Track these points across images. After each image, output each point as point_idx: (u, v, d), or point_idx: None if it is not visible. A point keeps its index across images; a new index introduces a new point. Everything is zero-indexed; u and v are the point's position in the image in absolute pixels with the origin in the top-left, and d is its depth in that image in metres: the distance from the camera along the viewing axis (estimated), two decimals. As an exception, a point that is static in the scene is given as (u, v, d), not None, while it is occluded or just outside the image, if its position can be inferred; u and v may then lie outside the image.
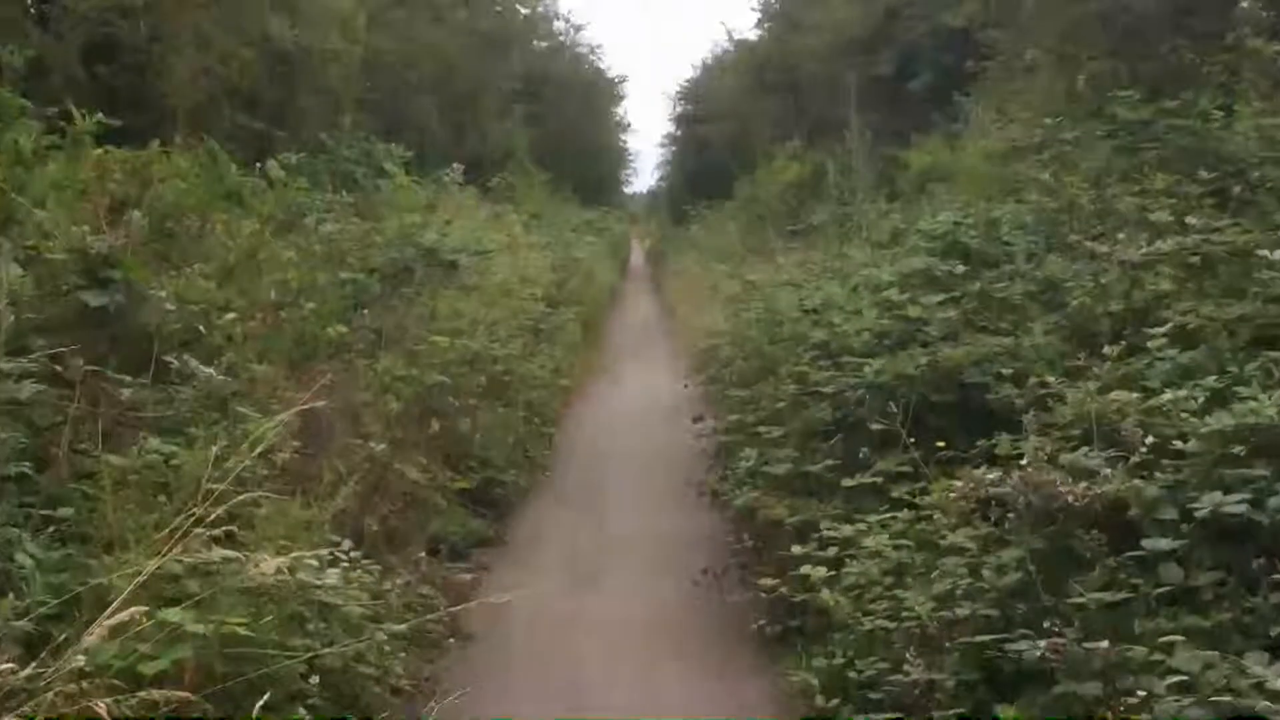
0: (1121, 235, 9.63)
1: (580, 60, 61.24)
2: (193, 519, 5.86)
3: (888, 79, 32.80)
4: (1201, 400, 6.47)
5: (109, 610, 4.96)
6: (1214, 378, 6.79)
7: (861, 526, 7.48)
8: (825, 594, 6.98)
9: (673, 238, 51.13)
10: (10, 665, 4.62)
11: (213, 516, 5.85)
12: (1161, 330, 7.58)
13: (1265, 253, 7.93)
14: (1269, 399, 6.05)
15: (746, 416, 11.75)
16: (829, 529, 7.73)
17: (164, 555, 5.65)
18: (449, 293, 14.93)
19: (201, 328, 8.99)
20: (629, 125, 76.58)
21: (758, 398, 11.93)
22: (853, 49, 34.43)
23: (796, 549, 7.77)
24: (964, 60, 25.66)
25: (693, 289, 28.90)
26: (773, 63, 43.64)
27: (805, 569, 7.31)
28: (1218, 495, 5.58)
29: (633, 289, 45.17)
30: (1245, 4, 17.26)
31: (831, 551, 7.45)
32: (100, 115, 11.69)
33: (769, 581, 8.13)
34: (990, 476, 6.37)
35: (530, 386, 15.46)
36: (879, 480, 8.17)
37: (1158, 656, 4.93)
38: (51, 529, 6.36)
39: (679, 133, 70.67)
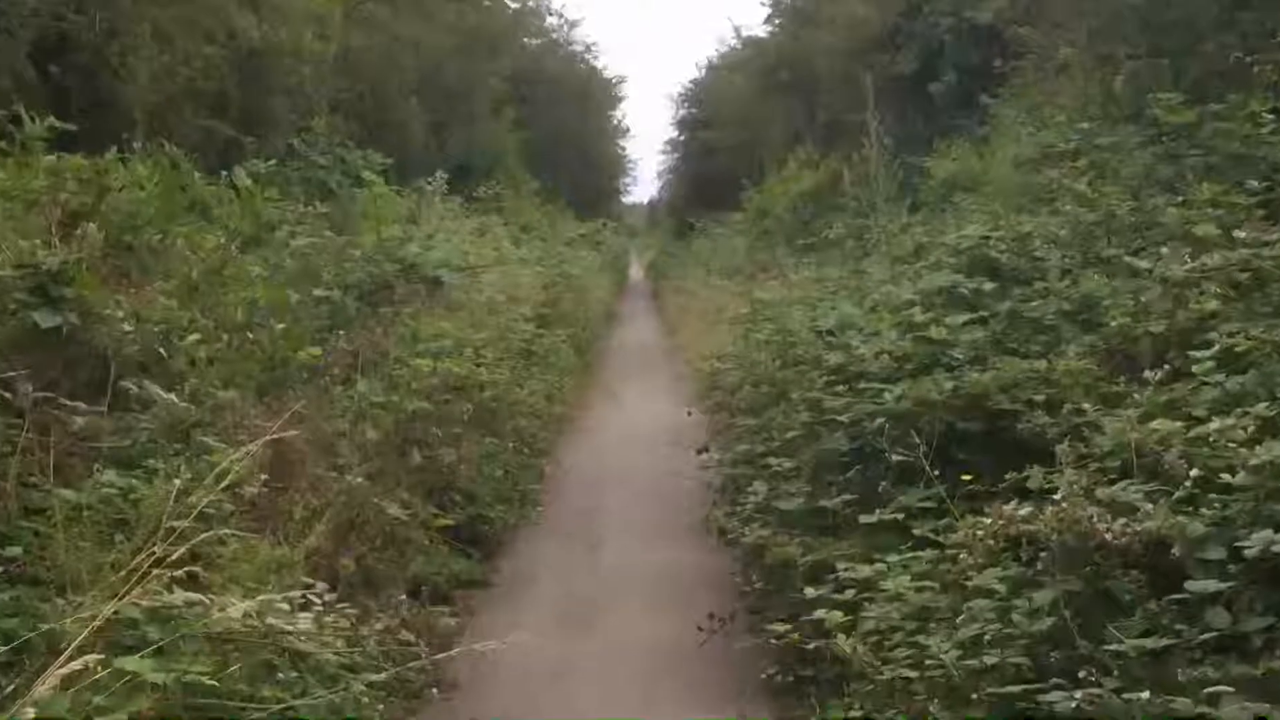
0: (1164, 250, 9.65)
1: (574, 59, 61.50)
2: (152, 559, 5.86)
3: (909, 79, 32.84)
4: (1251, 429, 6.46)
5: (62, 658, 4.96)
6: (1265, 405, 6.77)
7: (881, 567, 7.46)
8: (841, 640, 6.97)
9: (675, 252, 51.28)
10: (-46, 718, 4.63)
11: (174, 556, 5.86)
12: (1208, 353, 7.57)
13: (1320, 269, 7.95)
14: (1324, 428, 6.05)
15: (755, 447, 11.75)
16: (845, 570, 7.71)
17: (121, 598, 5.65)
18: (432, 312, 14.96)
19: (162, 350, 9.00)
20: (627, 130, 76.88)
21: (767, 426, 11.93)
22: (871, 47, 34.48)
23: (810, 591, 7.76)
24: (991, 59, 25.76)
25: (696, 308, 28.96)
26: (784, 62, 43.71)
27: (819, 613, 7.30)
28: (1269, 533, 5.56)
29: (631, 308, 45.20)
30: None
31: (848, 594, 7.43)
32: (52, 119, 11.73)
33: (780, 627, 8.11)
34: (1021, 512, 6.37)
35: (520, 414, 15.46)
36: (900, 517, 8.15)
37: (1203, 709, 4.91)
38: (-1, 569, 6.37)
39: (682, 138, 70.88)
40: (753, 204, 38.43)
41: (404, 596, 9.67)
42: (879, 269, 16.10)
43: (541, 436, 16.56)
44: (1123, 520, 5.95)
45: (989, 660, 6.03)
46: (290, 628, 6.52)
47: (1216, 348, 7.66)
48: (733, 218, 40.24)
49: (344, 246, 14.71)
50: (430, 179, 23.14)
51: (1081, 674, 5.45)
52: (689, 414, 16.92)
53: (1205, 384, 7.36)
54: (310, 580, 7.51)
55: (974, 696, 6.04)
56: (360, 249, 14.79)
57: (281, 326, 10.99)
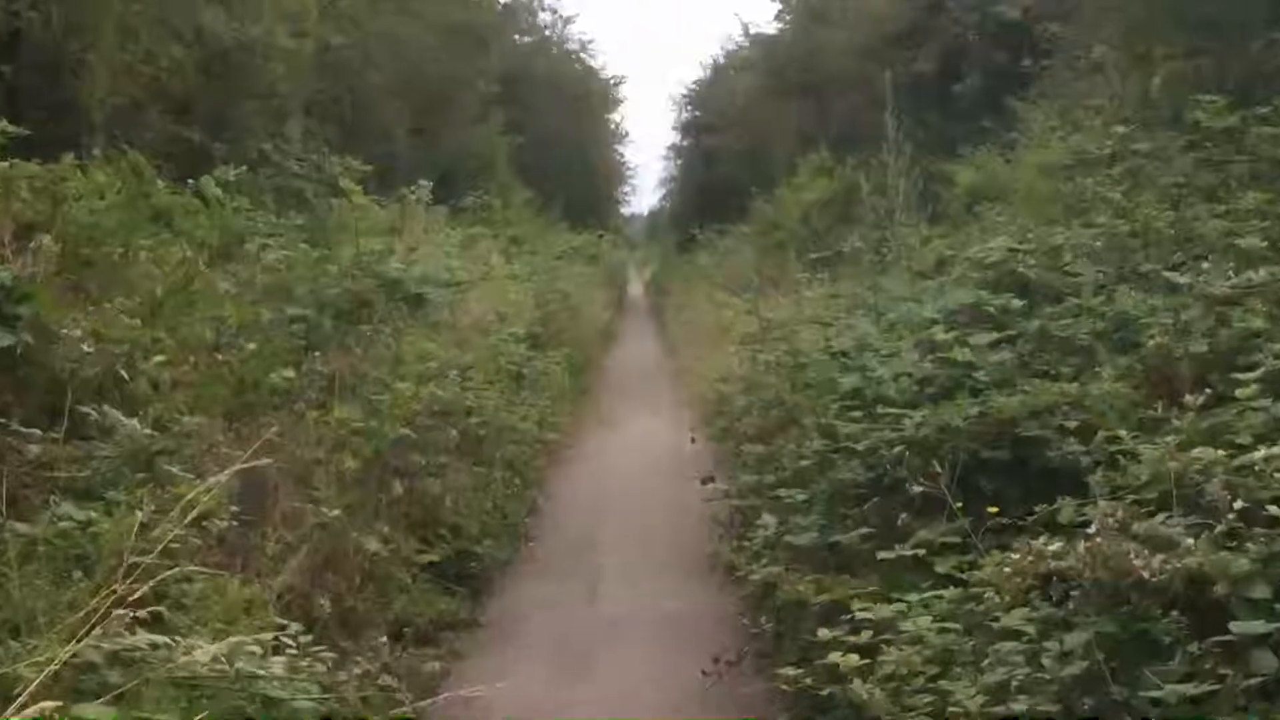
0: (1205, 264, 9.67)
1: (569, 58, 61.60)
2: (113, 598, 5.85)
3: (930, 80, 32.95)
4: (1300, 458, 6.48)
5: (15, 705, 4.96)
6: (1314, 431, 6.80)
7: (900, 607, 7.46)
8: (857, 686, 6.97)
9: (677, 266, 51.26)
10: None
11: (137, 595, 5.85)
12: (1253, 375, 7.59)
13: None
14: (1379, 457, 6.06)
15: (764, 477, 11.76)
16: (862, 610, 7.71)
17: (80, 640, 5.65)
18: (415, 332, 14.97)
19: (124, 373, 9.02)
20: (626, 134, 76.72)
21: (777, 455, 11.94)
22: (888, 45, 34.59)
23: (823, 633, 7.75)
24: (1019, 58, 25.85)
25: (700, 327, 28.96)
26: (795, 61, 43.80)
27: (834, 656, 7.30)
28: (1319, 570, 5.59)
29: (631, 327, 45.24)
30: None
31: (865, 636, 7.43)
32: (3, 122, 11.75)
33: (791, 671, 8.11)
34: (1051, 548, 6.37)
35: (510, 441, 15.48)
36: (921, 552, 8.14)
37: (1249, 759, 4.93)
38: (-54, 609, 6.37)
39: (685, 143, 70.99)
40: (761, 214, 38.51)
41: (385, 639, 9.66)
42: (898, 285, 16.11)
43: (534, 466, 16.57)
44: (1161, 556, 5.94)
45: (1017, 708, 6.04)
46: (262, 672, 6.51)
47: (1262, 370, 7.67)
48: (740, 229, 40.30)
49: (320, 261, 14.73)
50: (413, 188, 23.17)
51: (1117, 722, 5.46)
52: (692, 441, 16.94)
53: (1250, 409, 7.37)
54: (283, 621, 7.51)
55: (1001, 746, 6.05)
56: (337, 263, 14.79)
57: (252, 347, 11.01)
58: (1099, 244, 12.59)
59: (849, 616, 7.78)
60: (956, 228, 21.04)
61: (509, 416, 15.85)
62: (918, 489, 8.38)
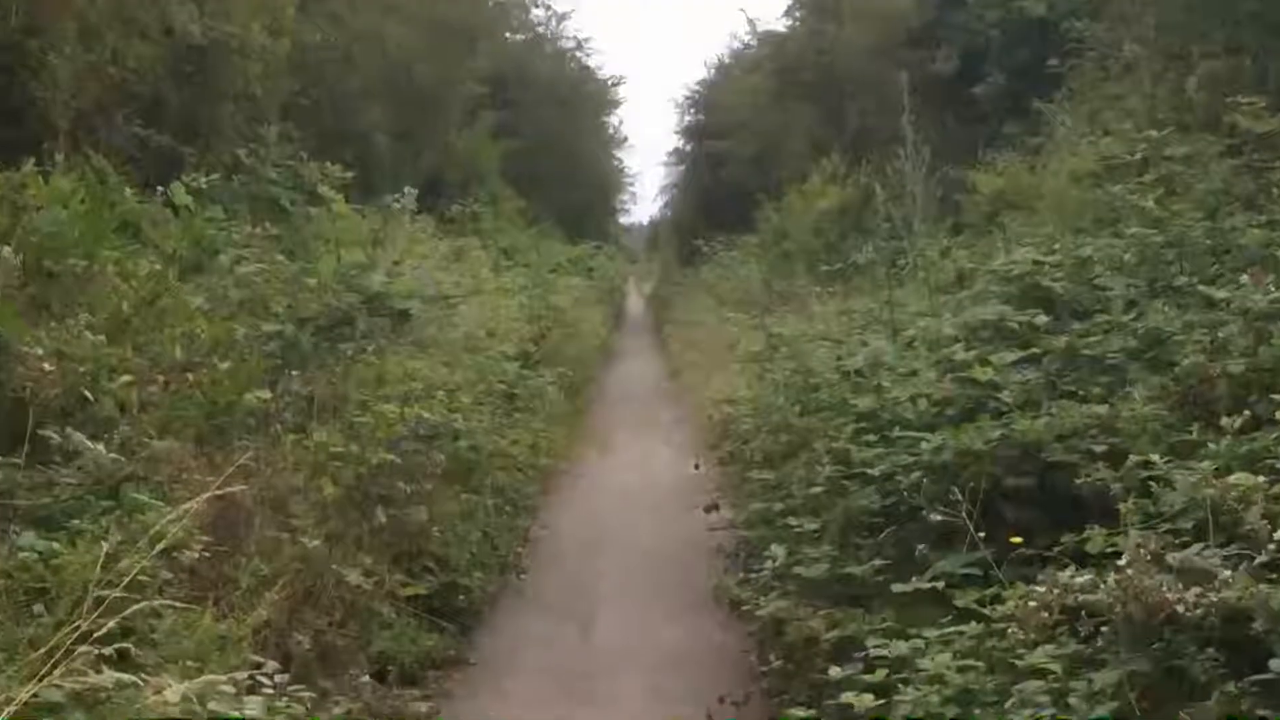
0: (1244, 277, 9.67)
1: (564, 57, 61.60)
2: (77, 634, 5.87)
3: (950, 81, 33.00)
4: (1345, 484, 6.49)
5: (-27, 748, 4.97)
6: (1361, 456, 6.80)
7: (918, 643, 7.47)
8: (872, 728, 6.98)
9: (679, 280, 51.33)
10: None
11: (103, 630, 5.87)
12: (1294, 397, 7.60)
13: None
14: None
15: (772, 505, 11.77)
16: (877, 646, 7.72)
17: (41, 679, 5.66)
18: (399, 350, 14.99)
19: (88, 394, 9.02)
20: (625, 139, 76.62)
21: (786, 481, 11.96)
22: (906, 43, 34.65)
23: (835, 671, 7.76)
24: (1045, 58, 25.83)
25: (704, 344, 28.98)
26: (806, 61, 43.78)
27: (847, 696, 7.30)
28: (1365, 605, 5.59)
29: (630, 344, 45.28)
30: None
31: (880, 675, 7.44)
32: (-40, 128, 11.78)
33: (801, 712, 8.12)
34: (1079, 580, 6.38)
35: (501, 467, 15.50)
36: (939, 585, 8.15)
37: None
38: (-101, 646, 6.38)
39: (688, 148, 70.94)
40: (770, 224, 38.54)
41: (367, 677, 9.68)
42: (916, 299, 16.13)
43: (526, 493, 16.58)
44: (1197, 589, 5.95)
45: (1042, 751, 6.05)
46: (236, 713, 6.52)
47: (1305, 390, 7.68)
48: (746, 240, 40.31)
49: (298, 274, 14.74)
50: (397, 196, 23.16)
51: (1150, 766, 5.47)
52: (696, 467, 16.97)
53: (1291, 432, 7.38)
54: (259, 659, 7.51)
55: (1026, 793, 6.06)
56: (317, 277, 14.80)
57: (226, 366, 11.01)
58: (1130, 256, 12.59)
59: (863, 654, 7.80)
60: (978, 238, 21.06)
61: (500, 440, 15.86)
62: (936, 518, 8.39)
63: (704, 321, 32.64)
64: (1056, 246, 13.23)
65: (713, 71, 68.21)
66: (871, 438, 10.19)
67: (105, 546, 6.53)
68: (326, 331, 13.57)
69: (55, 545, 7.14)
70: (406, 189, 23.41)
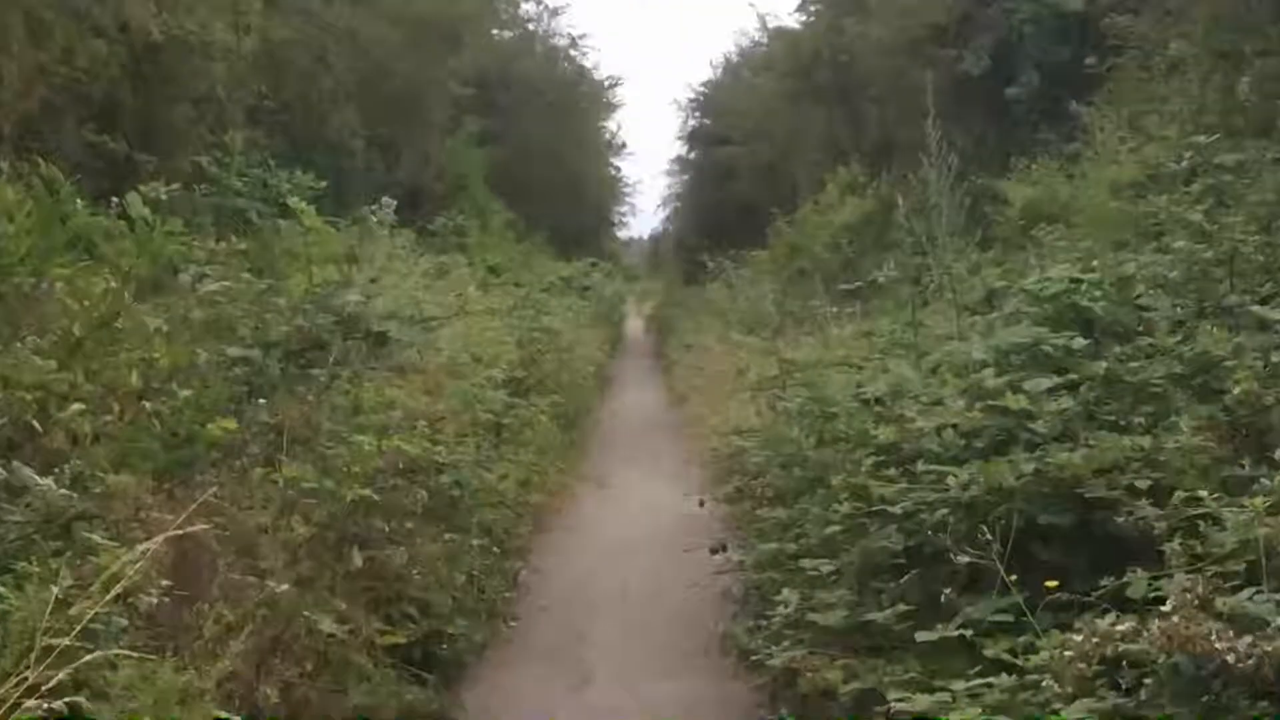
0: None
1: (556, 56, 61.67)
2: (25, 686, 5.88)
3: (979, 82, 33.04)
4: None
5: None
6: None
7: (944, 696, 7.48)
8: (895, 789, 7.00)
9: (683, 300, 51.33)
10: None
11: (52, 682, 5.88)
12: (1355, 427, 7.62)
13: None
14: None
15: (785, 545, 11.79)
16: (899, 700, 7.73)
17: (-14, 735, 5.68)
18: (377, 376, 15.00)
19: (36, 424, 9.04)
20: (624, 145, 76.90)
21: (800, 520, 11.97)
22: (931, 41, 34.66)
23: (855, 728, 7.79)
24: (1082, 56, 25.89)
25: (711, 371, 29.01)
26: (822, 60, 43.87)
27: (867, 755, 7.34)
28: None
29: (629, 370, 45.30)
30: None
31: (903, 730, 7.46)
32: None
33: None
34: (1120, 628, 6.39)
35: (489, 504, 15.48)
36: (967, 633, 8.16)
37: None
38: None
39: (692, 156, 71.19)
40: (782, 239, 38.61)
41: (341, 734, 9.69)
42: (941, 321, 16.16)
43: (516, 533, 16.58)
44: (1248, 638, 5.96)
45: (1080, 814, 6.05)
46: (198, 774, 6.54)
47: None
48: (757, 257, 40.36)
49: (266, 293, 14.75)
50: (374, 208, 23.22)
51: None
52: (701, 504, 16.98)
53: (1352, 466, 7.40)
54: (224, 714, 7.52)
55: None
56: (286, 296, 14.83)
57: (187, 394, 11.02)
58: (1176, 273, 12.59)
59: (884, 708, 7.81)
60: (1009, 254, 21.08)
61: (487, 475, 15.85)
62: (964, 559, 8.39)
63: (710, 345, 32.66)
64: (1095, 263, 13.24)
65: (719, 72, 68.66)
66: (893, 472, 10.19)
67: (55, 591, 6.54)
68: (297, 356, 13.58)
69: (1, 590, 7.15)
70: (384, 200, 23.46)
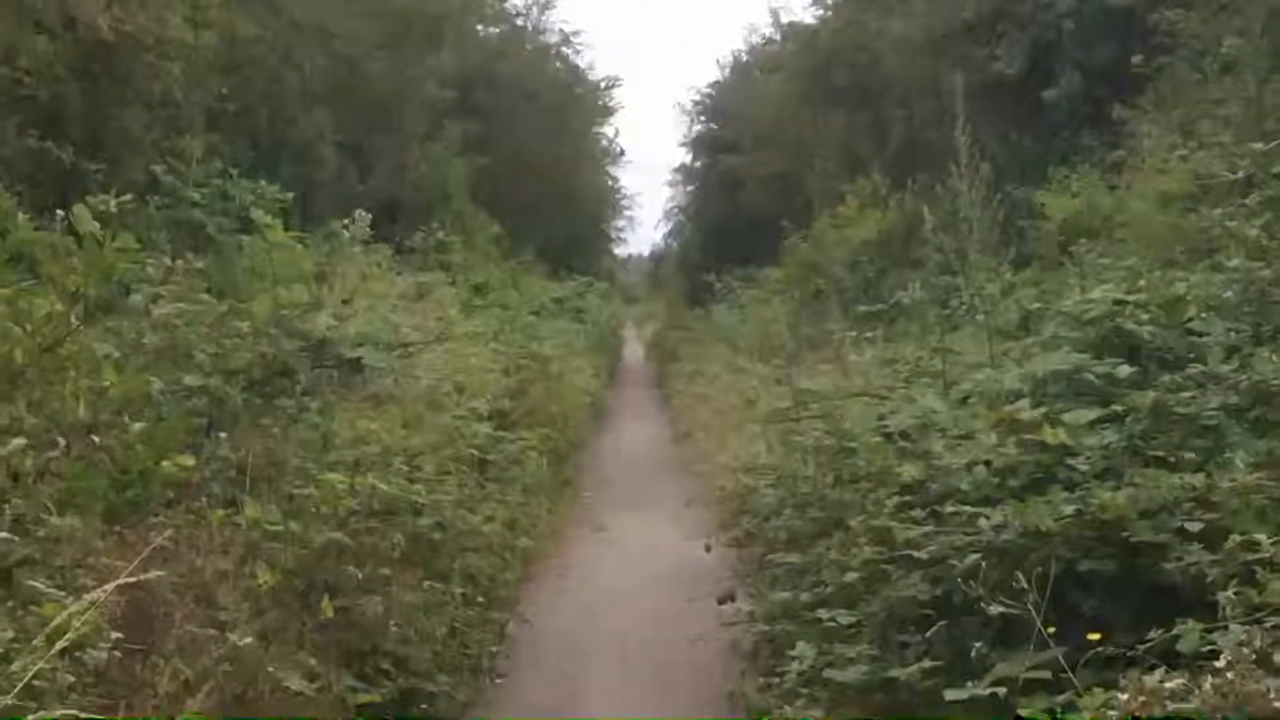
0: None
1: (547, 54, 61.67)
2: (-38, 749, 5.90)
3: (1014, 83, 33.08)
4: None
5: None
6: None
7: (976, 761, 7.50)
8: None
9: (687, 324, 51.36)
10: None
11: (-7, 744, 5.90)
12: None
13: None
14: None
15: (799, 594, 11.81)
16: (926, 765, 7.76)
17: (-81, 804, 5.69)
18: (349, 407, 15.02)
19: (-26, 460, 9.05)
20: (622, 153, 76.77)
21: (816, 566, 11.99)
22: (962, 39, 34.70)
23: (877, 796, 7.81)
24: (1128, 55, 25.91)
25: (718, 402, 29.03)
26: (842, 59, 43.90)
27: (891, 826, 7.35)
28: None
29: (628, 401, 45.32)
30: None
31: (930, 799, 7.48)
32: None
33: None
34: (1170, 685, 6.39)
35: (472, 548, 15.49)
36: (1001, 691, 8.17)
37: None
38: None
39: (697, 164, 71.24)
40: (796, 257, 38.62)
41: (310, 804, 9.69)
42: (972, 347, 16.18)
43: (502, 580, 16.58)
44: (1311, 695, 5.98)
45: None
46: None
47: None
48: (768, 276, 40.39)
49: (227, 316, 14.77)
50: (347, 221, 23.27)
51: None
52: (707, 549, 16.98)
53: None
54: (180, 780, 7.53)
55: None
56: (249, 319, 14.85)
57: (140, 427, 11.04)
58: (1231, 294, 12.60)
59: (909, 773, 7.83)
60: (1047, 273, 21.13)
61: (471, 517, 15.86)
62: (997, 610, 8.40)
63: (717, 374, 32.72)
64: (1142, 283, 13.26)
65: (727, 72, 68.68)
66: (919, 514, 10.20)
67: (-6, 644, 6.55)
68: (261, 385, 13.59)
69: (-65, 643, 7.17)
70: (358, 213, 23.49)
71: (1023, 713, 7.74)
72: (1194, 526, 8.37)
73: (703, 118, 70.02)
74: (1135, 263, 15.86)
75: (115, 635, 7.90)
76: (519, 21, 59.47)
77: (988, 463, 10.41)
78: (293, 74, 30.48)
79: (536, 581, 18.72)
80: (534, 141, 53.65)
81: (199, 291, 15.50)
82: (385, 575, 12.59)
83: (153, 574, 8.23)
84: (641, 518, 23.06)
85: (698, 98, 70.59)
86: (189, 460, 11.14)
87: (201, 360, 13.40)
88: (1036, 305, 16.69)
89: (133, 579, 7.88)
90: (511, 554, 17.50)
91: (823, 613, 10.71)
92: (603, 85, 67.14)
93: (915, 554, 9.79)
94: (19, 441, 9.42)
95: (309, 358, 14.38)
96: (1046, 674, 7.84)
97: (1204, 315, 12.20)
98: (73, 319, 11.93)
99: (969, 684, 8.29)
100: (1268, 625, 6.67)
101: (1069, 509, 8.95)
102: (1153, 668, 6.80)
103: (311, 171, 29.79)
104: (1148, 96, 25.16)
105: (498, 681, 14.28)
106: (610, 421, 38.91)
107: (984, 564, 9.05)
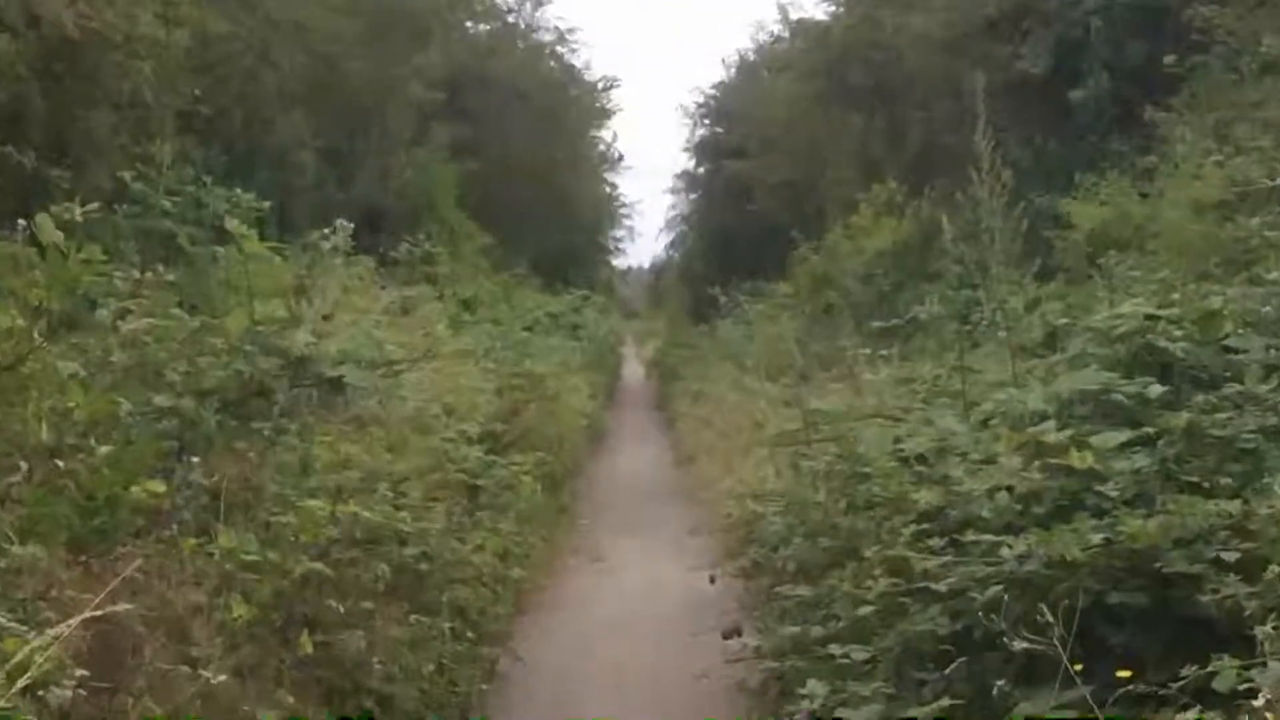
0: None
1: (541, 53, 61.70)
2: (-82, 795, 5.90)
3: (1039, 84, 33.10)
4: None
5: None
6: None
7: (998, 806, 7.51)
8: None
9: (690, 341, 51.39)
10: None
11: (-49, 791, 5.90)
12: None
13: None
14: None
15: (810, 628, 11.81)
16: (944, 811, 7.76)
17: None
18: (331, 429, 15.03)
19: (-70, 486, 9.07)
20: (621, 159, 76.71)
21: (827, 599, 12.00)
22: (984, 36, 34.73)
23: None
24: (1160, 54, 25.94)
25: (723, 424, 29.04)
26: (855, 58, 43.89)
27: None
28: None
29: (628, 423, 45.33)
30: None
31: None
32: None
33: None
34: (1205, 725, 6.40)
35: (461, 580, 15.50)
36: (1026, 732, 8.19)
37: None
38: None
39: (701, 170, 71.28)
40: (807, 269, 38.65)
41: None
42: (994, 365, 16.19)
43: (493, 614, 16.58)
44: (1355, 737, 5.99)
45: None
46: None
47: None
48: (777, 290, 40.42)
49: (200, 332, 14.79)
50: (327, 232, 23.28)
51: None
52: (712, 581, 16.99)
53: None
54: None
55: None
56: (224, 336, 14.86)
57: (107, 451, 11.05)
58: (1270, 308, 12.60)
59: (927, 820, 7.83)
60: (1074, 286, 21.15)
61: (460, 547, 15.87)
62: (1021, 645, 8.40)
63: (722, 394, 32.72)
64: (1175, 296, 13.27)
65: (733, 72, 68.69)
66: (937, 543, 10.21)
67: (-47, 683, 6.56)
68: (236, 406, 13.59)
69: (-112, 681, 7.18)
70: (339, 223, 23.50)
71: (1049, 755, 7.75)
72: (1230, 556, 8.36)
73: (707, 121, 70.19)
74: (1168, 275, 15.88)
75: (81, 672, 7.90)
76: (510, 18, 59.67)
77: (1010, 488, 10.41)
78: (269, 74, 30.52)
79: (530, 614, 18.73)
80: (527, 146, 53.67)
81: (170, 306, 15.51)
82: (368, 608, 12.59)
83: (121, 607, 8.24)
84: (641, 547, 23.07)
85: (701, 99, 70.77)
86: (159, 486, 11.13)
87: (172, 379, 13.40)
88: (1062, 321, 16.68)
89: (99, 612, 7.90)
90: (503, 586, 17.50)
91: (835, 648, 10.71)
92: (599, 86, 67.24)
93: (933, 585, 9.79)
94: (-22, 466, 9.44)
95: (287, 377, 14.37)
96: (1073, 713, 7.84)
97: (1241, 331, 12.20)
98: (35, 335, 11.94)
99: (992, 725, 8.30)
100: (1309, 661, 6.68)
101: (1097, 538, 8.95)
102: (1186, 706, 6.82)
103: (289, 178, 29.84)
104: (1181, 98, 25.18)
105: (488, 723, 14.31)
106: (609, 444, 38.94)
107: (1007, 596, 9.04)
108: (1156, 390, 11.06)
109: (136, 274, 16.58)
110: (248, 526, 11.81)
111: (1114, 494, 9.72)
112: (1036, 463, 10.55)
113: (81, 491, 10.55)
